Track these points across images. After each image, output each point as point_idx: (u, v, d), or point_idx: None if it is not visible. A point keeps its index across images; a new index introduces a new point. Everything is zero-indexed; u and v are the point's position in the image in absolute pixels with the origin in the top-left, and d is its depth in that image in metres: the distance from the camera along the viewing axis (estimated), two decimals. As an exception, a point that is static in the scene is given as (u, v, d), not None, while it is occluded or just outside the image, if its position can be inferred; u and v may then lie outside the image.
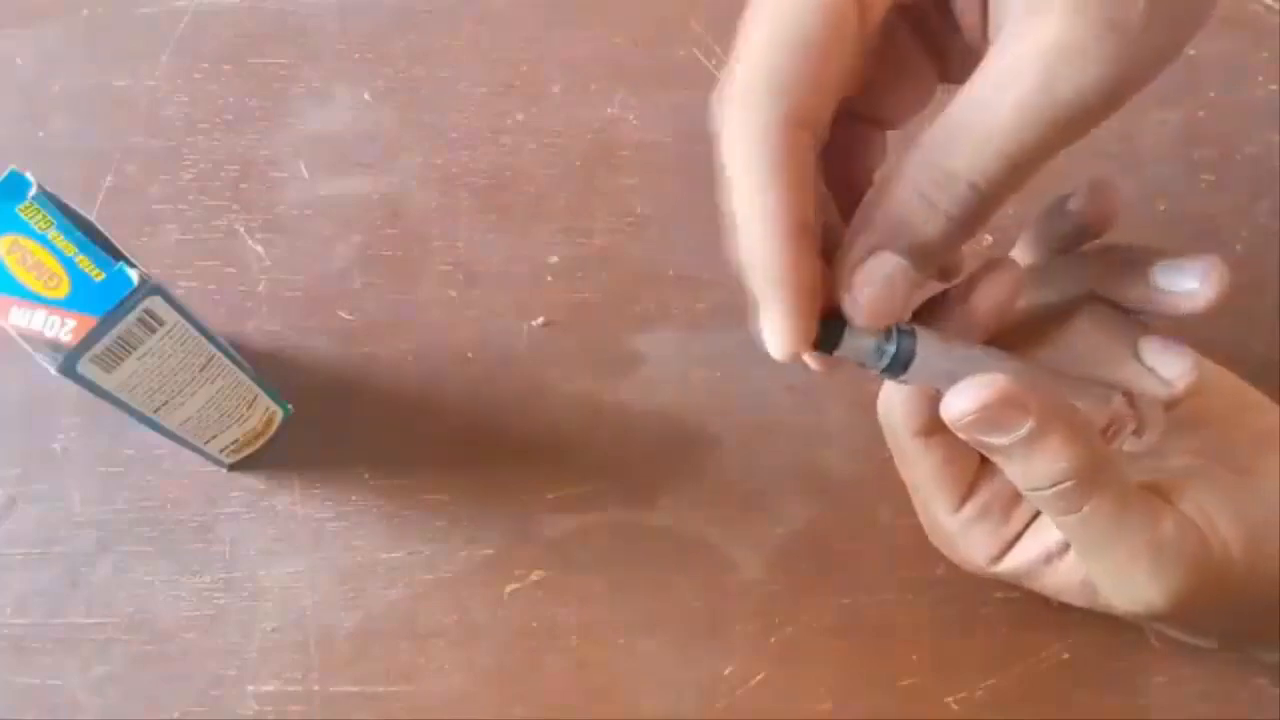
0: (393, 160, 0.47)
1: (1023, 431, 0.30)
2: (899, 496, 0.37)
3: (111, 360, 0.33)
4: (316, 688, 0.40)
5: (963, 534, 0.36)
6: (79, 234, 0.33)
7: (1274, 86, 0.49)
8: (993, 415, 0.29)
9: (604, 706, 0.40)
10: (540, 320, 0.45)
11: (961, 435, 0.30)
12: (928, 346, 0.30)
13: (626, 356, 0.44)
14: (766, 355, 0.28)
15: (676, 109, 0.48)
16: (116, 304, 0.32)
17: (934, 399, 0.33)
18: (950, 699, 0.40)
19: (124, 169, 0.47)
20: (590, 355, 0.44)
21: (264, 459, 0.42)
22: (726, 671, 0.40)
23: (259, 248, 0.46)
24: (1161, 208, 0.45)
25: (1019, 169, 0.26)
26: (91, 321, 0.32)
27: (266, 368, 0.40)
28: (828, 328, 0.28)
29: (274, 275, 0.45)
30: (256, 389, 0.40)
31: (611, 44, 0.41)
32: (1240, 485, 0.33)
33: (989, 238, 0.44)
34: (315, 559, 0.42)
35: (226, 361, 0.37)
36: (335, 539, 0.42)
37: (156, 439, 0.38)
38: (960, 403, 0.29)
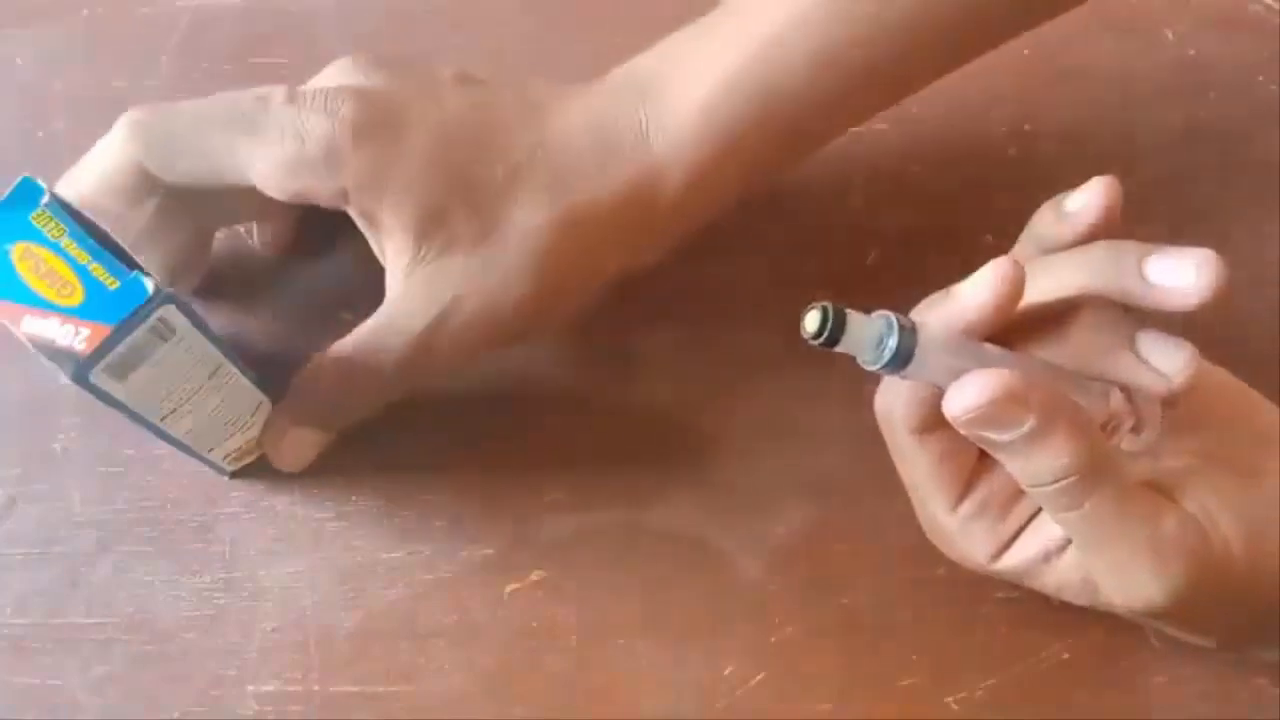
0: (393, 160, 0.47)
1: (1025, 427, 0.30)
2: (899, 496, 0.37)
3: (124, 369, 0.33)
4: (316, 688, 0.40)
5: (961, 531, 0.36)
6: (92, 242, 0.33)
7: (1275, 87, 0.49)
8: (995, 411, 0.29)
9: (604, 706, 0.40)
10: (540, 320, 0.45)
11: (963, 431, 0.30)
12: (928, 342, 0.30)
13: (627, 356, 0.44)
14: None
15: (676, 109, 0.48)
16: (131, 313, 0.32)
17: (932, 396, 0.33)
18: (950, 699, 0.40)
19: (124, 169, 0.47)
20: (590, 355, 0.44)
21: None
22: (726, 671, 0.40)
23: (259, 247, 0.46)
24: (1162, 208, 0.45)
25: None
26: (105, 330, 0.32)
27: (267, 369, 0.40)
28: (828, 320, 0.28)
29: (274, 275, 0.45)
30: (260, 396, 0.40)
31: (612, 44, 0.41)
32: (1241, 485, 0.33)
33: (989, 237, 0.44)
34: (315, 559, 0.42)
35: (233, 369, 0.37)
36: (335, 539, 0.42)
37: (157, 439, 0.37)
38: (962, 398, 0.29)
